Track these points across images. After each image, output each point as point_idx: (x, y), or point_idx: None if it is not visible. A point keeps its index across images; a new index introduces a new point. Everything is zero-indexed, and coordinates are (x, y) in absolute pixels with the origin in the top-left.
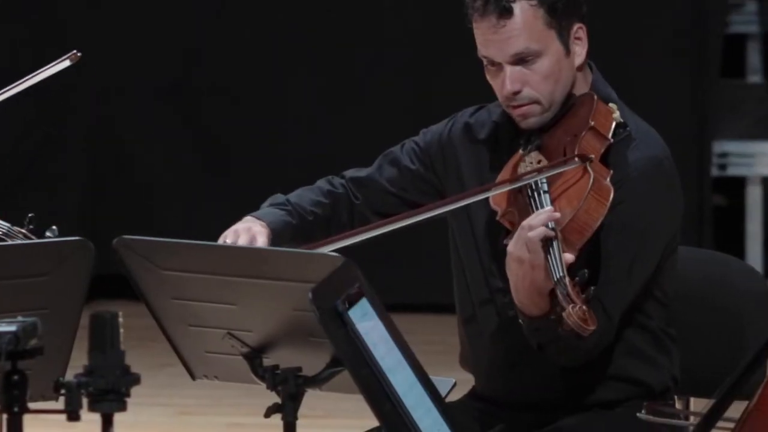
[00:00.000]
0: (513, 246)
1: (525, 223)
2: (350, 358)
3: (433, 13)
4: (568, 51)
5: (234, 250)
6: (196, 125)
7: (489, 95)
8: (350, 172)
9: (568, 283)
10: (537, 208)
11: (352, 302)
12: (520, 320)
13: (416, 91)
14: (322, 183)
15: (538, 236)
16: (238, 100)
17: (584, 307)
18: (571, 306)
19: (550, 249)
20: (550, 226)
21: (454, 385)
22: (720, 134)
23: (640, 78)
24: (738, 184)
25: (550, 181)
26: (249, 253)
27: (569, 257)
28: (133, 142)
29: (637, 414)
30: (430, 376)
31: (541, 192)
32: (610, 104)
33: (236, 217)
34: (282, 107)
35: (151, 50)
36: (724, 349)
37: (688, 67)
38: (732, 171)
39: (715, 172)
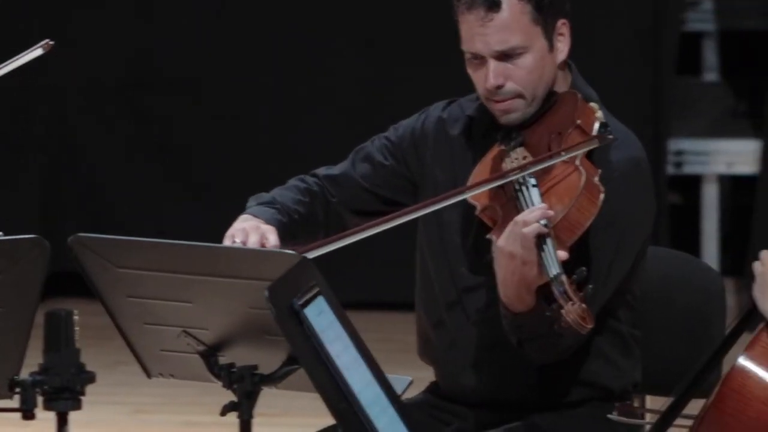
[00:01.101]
0: (505, 241)
1: (519, 218)
2: (306, 356)
3: (398, 11)
4: (551, 47)
5: (190, 248)
6: (153, 123)
7: (453, 92)
8: (322, 170)
9: (565, 281)
10: (527, 204)
11: (308, 300)
12: (503, 316)
13: (376, 91)
14: (296, 182)
15: (533, 232)
16: (195, 98)
17: (583, 305)
18: (570, 303)
19: (544, 246)
20: (542, 223)
21: (411, 383)
22: (676, 132)
23: (596, 75)
24: (694, 183)
25: (538, 176)
26: (204, 251)
27: (563, 254)
28: (89, 140)
29: (608, 416)
30: (387, 374)
31: (530, 186)
32: (592, 103)
33: (193, 215)
34: (241, 105)
35: (107, 48)
36: (681, 347)
37: (644, 65)
38: (688, 169)
39: (670, 170)
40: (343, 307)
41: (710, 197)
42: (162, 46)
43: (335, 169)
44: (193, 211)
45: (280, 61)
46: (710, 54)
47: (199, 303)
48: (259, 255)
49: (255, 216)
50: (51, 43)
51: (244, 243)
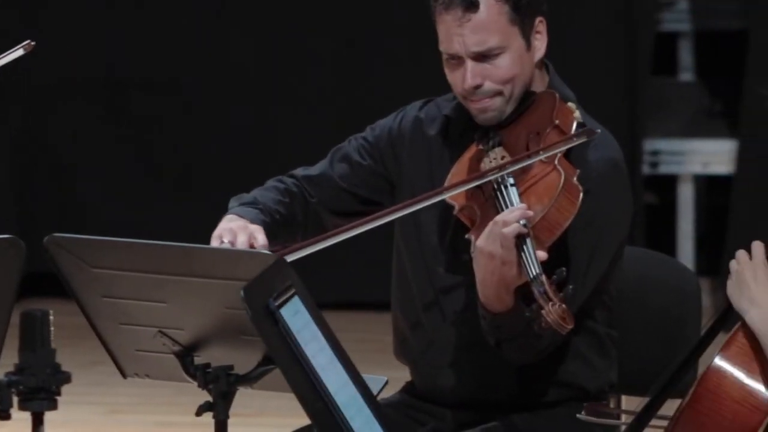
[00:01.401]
0: (484, 241)
1: (499, 218)
2: (282, 356)
3: (369, 15)
4: (529, 45)
5: (165, 248)
6: (127, 123)
7: (429, 92)
8: (300, 171)
9: (545, 281)
10: (506, 204)
11: (284, 300)
12: (481, 316)
13: (354, 90)
14: (275, 183)
15: (513, 233)
16: (172, 97)
17: (563, 305)
18: (550, 304)
19: (524, 246)
20: (521, 223)
21: (386, 383)
22: (651, 132)
23: (571, 75)
24: (669, 183)
25: (517, 176)
26: (180, 251)
27: (543, 255)
28: (64, 140)
29: (577, 415)
30: (362, 375)
31: (508, 185)
32: (569, 103)
33: (169, 216)
34: (219, 104)
35: (79, 47)
36: (657, 347)
37: (619, 65)
38: (663, 169)
39: (646, 170)
40: (318, 308)
41: (686, 197)
42: (139, 44)
43: (313, 170)
44: (170, 212)
45: (259, 61)
46: (685, 54)
47: (175, 303)
48: (235, 255)
49: (240, 216)
50: (32, 43)
51: (232, 243)
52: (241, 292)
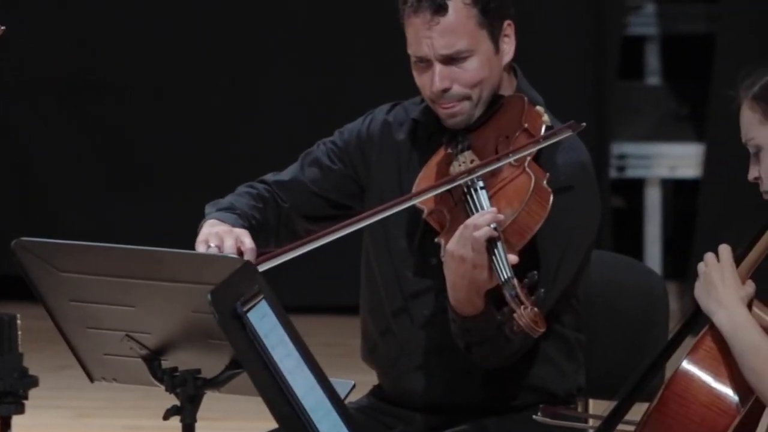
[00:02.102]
0: (455, 245)
1: (469, 222)
2: (249, 360)
3: (332, 17)
4: (497, 49)
5: (132, 252)
6: (96, 125)
7: (397, 96)
8: (270, 177)
9: (516, 285)
10: (476, 208)
11: (251, 304)
12: (451, 320)
13: (317, 95)
14: (246, 188)
15: (484, 236)
16: (140, 101)
17: (535, 309)
18: (522, 307)
19: (495, 250)
20: (492, 226)
21: (353, 387)
22: (618, 136)
23: (538, 79)
24: (636, 186)
25: (487, 180)
26: (147, 254)
27: (514, 258)
28: (32, 143)
29: (533, 416)
30: (330, 378)
31: (478, 188)
32: (538, 107)
33: (137, 219)
34: (187, 108)
35: (48, 47)
36: (625, 351)
37: (586, 69)
38: (631, 173)
39: (613, 174)
40: (285, 311)
41: (653, 201)
42: (106, 47)
43: (284, 175)
44: (138, 215)
45: (225, 66)
46: (652, 58)
47: (142, 307)
48: (201, 259)
49: (222, 221)
50: (2, 27)
51: (218, 247)
52: (209, 296)
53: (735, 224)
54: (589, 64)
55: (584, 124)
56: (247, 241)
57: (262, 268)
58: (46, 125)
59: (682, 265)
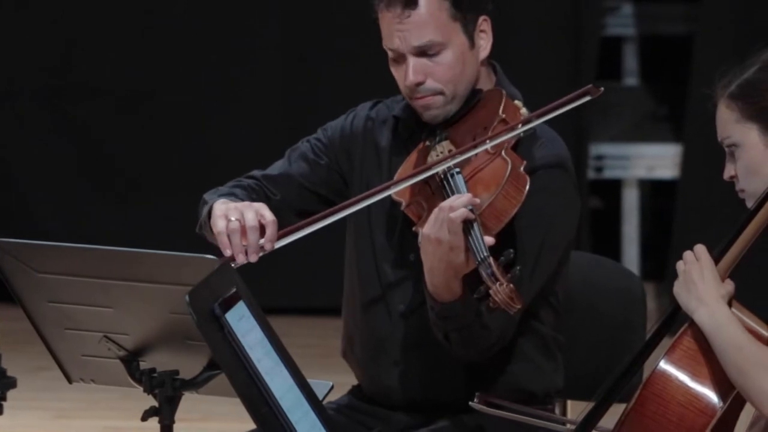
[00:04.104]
0: (430, 228)
1: (445, 204)
2: (227, 361)
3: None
4: (472, 44)
5: (110, 252)
6: (74, 128)
7: (374, 95)
8: (257, 172)
9: (492, 263)
10: (452, 191)
11: (229, 305)
12: (429, 308)
13: (299, 94)
14: (234, 183)
15: (460, 217)
16: (119, 105)
17: (511, 285)
18: (497, 284)
19: (471, 231)
20: (468, 208)
21: (332, 388)
22: (596, 137)
23: (515, 79)
24: (614, 187)
25: (463, 167)
26: (125, 255)
27: (490, 240)
28: (10, 145)
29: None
30: (308, 379)
31: (455, 173)
32: (516, 101)
33: (115, 222)
34: (166, 112)
35: (29, 53)
36: (602, 351)
37: (564, 69)
38: (608, 173)
39: (591, 174)
40: (263, 312)
41: (630, 201)
42: (86, 52)
43: (272, 169)
44: (116, 217)
45: (204, 68)
46: (630, 59)
47: (120, 308)
48: (179, 259)
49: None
50: None
51: (239, 221)
52: (186, 297)
53: (713, 224)
54: (567, 65)
55: (602, 88)
56: (267, 214)
57: (280, 243)
58: (23, 130)
59: (659, 266)
